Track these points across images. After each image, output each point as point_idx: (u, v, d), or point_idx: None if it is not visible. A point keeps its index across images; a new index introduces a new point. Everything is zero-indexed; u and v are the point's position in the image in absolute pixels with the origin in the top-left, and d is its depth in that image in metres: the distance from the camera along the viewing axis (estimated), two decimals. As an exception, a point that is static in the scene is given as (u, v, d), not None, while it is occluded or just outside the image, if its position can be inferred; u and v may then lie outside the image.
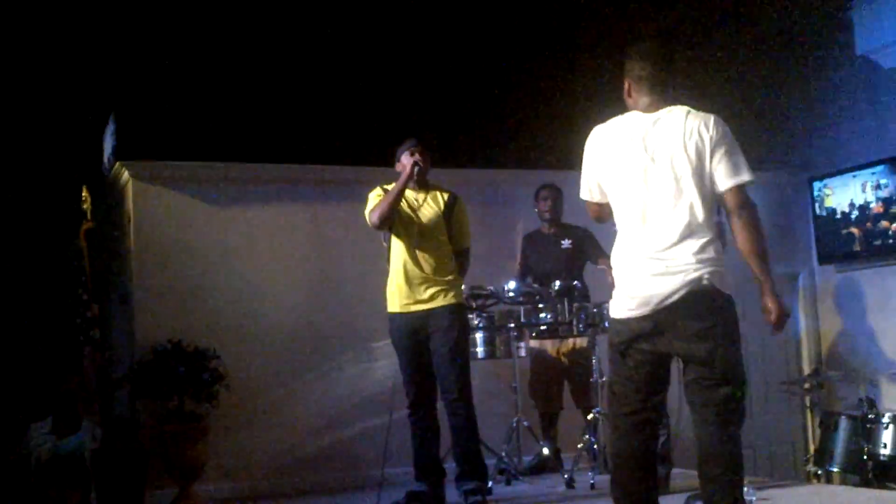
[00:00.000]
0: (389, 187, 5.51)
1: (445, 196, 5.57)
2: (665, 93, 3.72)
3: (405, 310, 5.46)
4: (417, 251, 5.45)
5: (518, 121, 7.69)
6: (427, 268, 5.44)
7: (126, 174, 6.82)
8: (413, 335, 5.45)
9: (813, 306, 8.62)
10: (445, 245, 5.52)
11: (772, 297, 3.61)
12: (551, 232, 6.89)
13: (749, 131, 7.86)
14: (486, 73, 7.61)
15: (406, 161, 5.48)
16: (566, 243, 6.78)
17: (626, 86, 3.80)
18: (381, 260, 6.86)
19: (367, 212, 5.50)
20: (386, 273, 5.63)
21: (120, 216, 7.11)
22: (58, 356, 6.61)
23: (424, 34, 7.43)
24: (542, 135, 7.58)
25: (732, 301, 3.63)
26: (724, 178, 3.60)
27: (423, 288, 5.43)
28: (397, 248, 5.49)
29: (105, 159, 7.56)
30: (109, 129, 7.38)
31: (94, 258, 6.65)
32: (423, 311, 5.43)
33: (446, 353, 5.39)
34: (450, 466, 5.69)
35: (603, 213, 3.89)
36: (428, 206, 5.52)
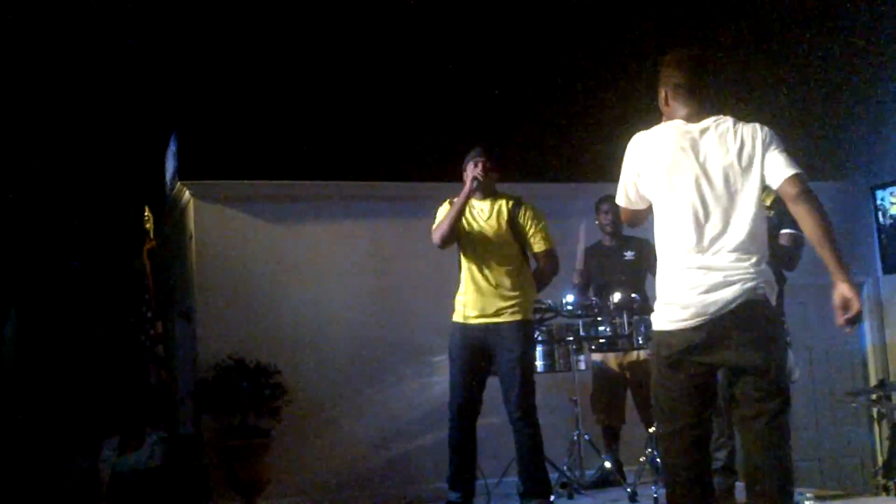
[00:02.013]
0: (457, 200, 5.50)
1: (510, 203, 5.48)
2: (704, 101, 3.67)
3: (467, 321, 5.41)
4: (483, 263, 5.39)
5: (574, 134, 7.67)
6: (493, 280, 5.38)
7: (187, 193, 6.93)
8: (471, 348, 5.39)
9: (879, 316, 8.49)
10: (513, 257, 5.44)
11: (849, 287, 3.41)
12: (613, 244, 6.84)
13: (810, 141, 7.86)
14: (542, 87, 7.62)
15: (468, 172, 5.44)
16: (629, 255, 6.71)
17: (662, 94, 3.75)
18: (440, 275, 6.94)
19: (433, 229, 5.48)
20: (450, 285, 5.60)
21: (182, 235, 7.21)
22: (123, 373, 6.71)
23: (480, 50, 7.46)
24: (600, 147, 7.55)
25: (779, 313, 3.58)
26: (784, 168, 3.52)
27: (488, 301, 5.37)
28: (464, 259, 5.46)
29: (167, 179, 7.69)
30: (171, 150, 7.50)
31: (157, 277, 6.76)
32: (486, 324, 5.36)
33: (511, 371, 5.33)
34: (511, 480, 5.70)
35: (637, 219, 3.87)
36: (493, 216, 5.46)
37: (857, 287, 3.48)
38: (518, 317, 5.39)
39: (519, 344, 5.36)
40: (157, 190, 7.85)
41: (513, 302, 5.38)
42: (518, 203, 5.49)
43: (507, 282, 5.38)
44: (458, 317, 5.48)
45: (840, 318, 3.43)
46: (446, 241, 5.38)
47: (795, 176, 3.53)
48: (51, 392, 6.46)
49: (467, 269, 5.43)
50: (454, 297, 5.62)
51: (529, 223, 5.46)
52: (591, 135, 7.57)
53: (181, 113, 7.13)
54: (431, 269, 7.14)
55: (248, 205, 6.98)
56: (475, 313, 5.38)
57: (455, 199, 5.43)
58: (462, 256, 5.48)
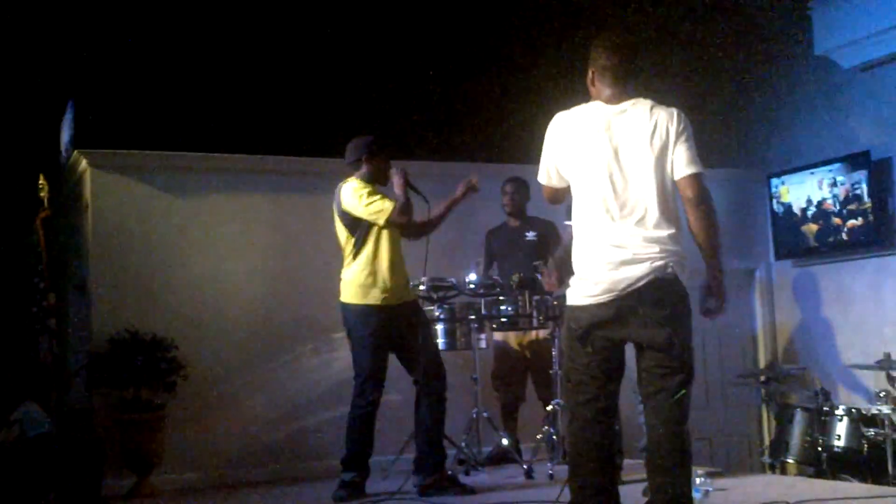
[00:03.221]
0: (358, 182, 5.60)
1: None
2: (628, 85, 3.76)
3: (388, 303, 5.52)
4: (398, 248, 5.61)
5: (482, 114, 7.70)
6: (404, 264, 5.65)
7: (84, 162, 6.75)
8: (392, 329, 5.55)
9: (769, 301, 8.72)
10: None
11: (719, 282, 3.72)
12: (516, 225, 6.93)
13: (708, 129, 8.01)
14: (450, 66, 7.61)
15: (395, 177, 5.65)
16: (530, 235, 6.82)
17: (590, 74, 3.84)
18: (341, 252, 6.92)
19: (391, 214, 5.46)
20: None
21: (77, 205, 7.04)
22: (13, 345, 6.54)
23: (388, 25, 7.42)
24: (507, 128, 7.60)
25: (688, 292, 3.69)
26: (685, 166, 3.66)
27: (404, 282, 5.64)
28: (383, 244, 5.54)
29: (62, 147, 7.49)
30: (67, 117, 7.31)
31: (50, 247, 6.58)
32: (404, 303, 5.60)
33: (431, 343, 5.71)
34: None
35: (557, 197, 3.96)
36: None
37: (724, 292, 3.75)
38: (415, 294, 5.86)
39: (425, 318, 5.78)
40: (52, 157, 7.63)
41: (409, 282, 5.77)
42: None
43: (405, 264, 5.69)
44: (372, 300, 5.55)
45: (703, 310, 3.79)
46: None
47: (695, 175, 3.68)
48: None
49: (386, 253, 5.55)
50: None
51: None
52: (500, 116, 7.61)
53: (78, 79, 6.93)
54: (332, 246, 7.09)
55: (146, 175, 6.83)
56: (396, 295, 5.57)
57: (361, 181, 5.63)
58: (378, 241, 5.55)
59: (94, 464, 5.63)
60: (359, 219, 5.52)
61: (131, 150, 6.77)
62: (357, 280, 5.56)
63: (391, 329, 5.55)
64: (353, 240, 5.58)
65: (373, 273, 5.54)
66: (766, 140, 8.67)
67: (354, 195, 5.52)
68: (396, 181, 5.60)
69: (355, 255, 5.58)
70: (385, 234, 5.55)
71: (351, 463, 5.59)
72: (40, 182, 6.62)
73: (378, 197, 5.51)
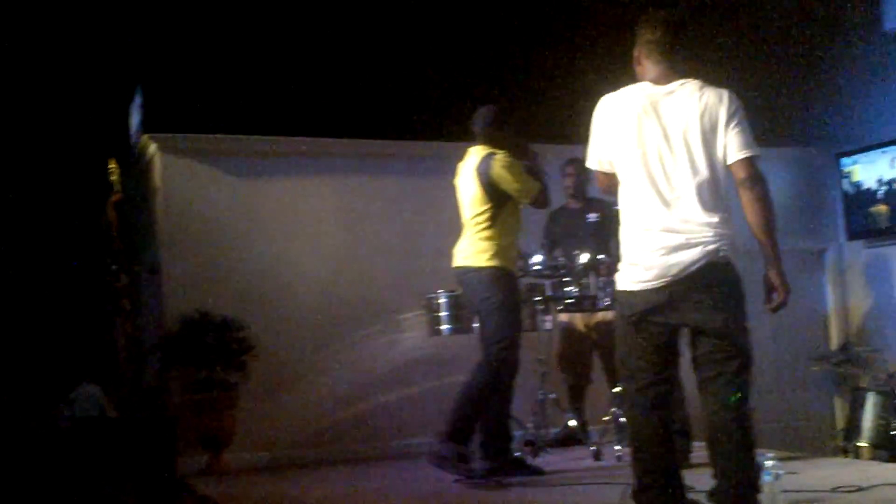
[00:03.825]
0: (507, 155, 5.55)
1: None
2: (675, 62, 3.66)
3: (513, 269, 5.58)
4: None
5: (543, 94, 7.66)
6: None
7: (153, 147, 6.85)
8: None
9: (841, 282, 8.57)
10: None
11: (779, 274, 3.60)
12: (578, 206, 6.88)
13: (777, 108, 7.89)
14: (510, 46, 7.59)
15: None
16: (592, 217, 6.75)
17: (636, 53, 3.75)
18: (408, 233, 6.95)
19: (538, 197, 5.58)
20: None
21: (147, 188, 7.15)
22: (84, 326, 6.67)
23: (444, 8, 7.41)
24: (568, 108, 7.53)
25: (741, 276, 3.62)
26: (737, 150, 3.57)
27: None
28: (516, 216, 5.59)
29: (132, 132, 7.60)
30: (136, 102, 7.41)
31: (122, 229, 6.70)
32: (518, 278, 5.69)
33: (515, 326, 5.66)
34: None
35: (612, 184, 3.82)
36: None
37: (788, 285, 3.62)
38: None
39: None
40: (122, 142, 7.75)
41: None
42: None
43: None
44: (510, 264, 5.56)
45: (767, 302, 3.66)
46: None
47: (748, 159, 3.59)
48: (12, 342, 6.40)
49: (517, 224, 5.59)
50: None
51: None
52: (560, 96, 7.55)
53: (146, 64, 7.03)
54: (399, 227, 7.16)
55: (214, 159, 6.91)
56: (516, 266, 5.68)
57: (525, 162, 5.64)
58: (510, 210, 5.54)
59: (167, 441, 5.73)
60: (503, 191, 5.48)
61: (200, 134, 6.85)
62: (495, 244, 5.47)
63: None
64: (492, 208, 5.48)
65: (510, 241, 5.54)
66: (836, 119, 8.49)
67: (507, 169, 5.45)
68: (528, 163, 5.63)
69: (492, 222, 5.48)
70: (516, 206, 5.57)
71: (462, 436, 5.42)
72: (111, 166, 6.74)
73: (526, 175, 5.53)
